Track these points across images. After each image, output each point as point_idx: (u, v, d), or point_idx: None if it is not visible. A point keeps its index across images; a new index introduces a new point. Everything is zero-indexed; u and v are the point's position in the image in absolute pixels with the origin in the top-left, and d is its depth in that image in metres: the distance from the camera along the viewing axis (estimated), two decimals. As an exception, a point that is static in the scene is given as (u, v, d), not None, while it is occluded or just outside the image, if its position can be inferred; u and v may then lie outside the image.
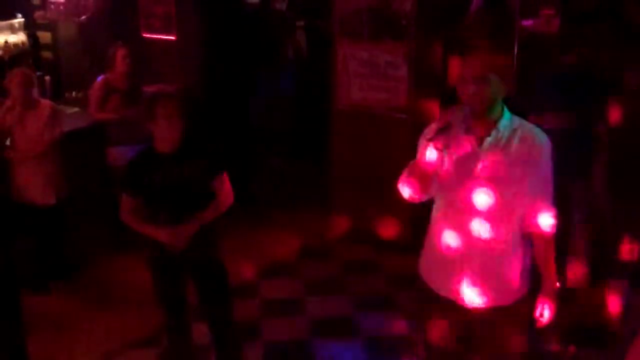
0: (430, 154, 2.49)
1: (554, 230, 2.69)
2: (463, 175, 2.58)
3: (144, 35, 5.89)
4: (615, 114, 4.00)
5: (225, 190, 3.40)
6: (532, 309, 2.77)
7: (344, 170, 5.41)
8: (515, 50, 5.12)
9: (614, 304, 3.96)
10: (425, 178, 2.57)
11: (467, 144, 2.57)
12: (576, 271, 4.45)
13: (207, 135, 5.06)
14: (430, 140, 2.47)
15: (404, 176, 2.67)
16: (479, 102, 2.49)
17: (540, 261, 2.74)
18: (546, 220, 2.66)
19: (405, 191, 2.68)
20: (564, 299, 4.38)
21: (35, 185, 4.56)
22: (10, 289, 3.66)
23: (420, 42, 4.95)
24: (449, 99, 2.63)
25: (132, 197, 3.33)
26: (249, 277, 4.85)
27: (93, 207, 4.99)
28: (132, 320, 4.33)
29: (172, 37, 5.78)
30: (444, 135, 2.44)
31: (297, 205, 6.10)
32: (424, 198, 2.68)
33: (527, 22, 5.43)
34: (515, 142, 2.56)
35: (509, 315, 2.71)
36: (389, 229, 5.24)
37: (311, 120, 6.61)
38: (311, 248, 5.37)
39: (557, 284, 2.63)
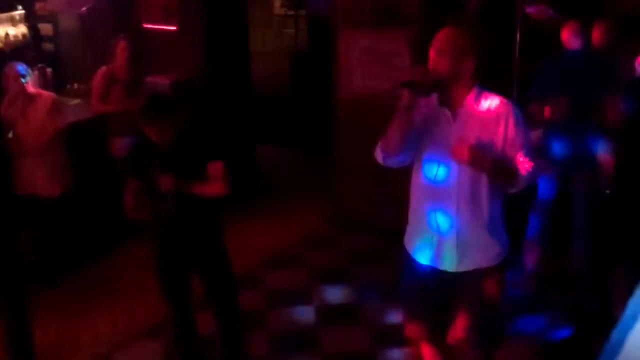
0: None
1: (527, 175, 2.74)
2: (442, 146, 2.72)
3: (145, 26, 5.86)
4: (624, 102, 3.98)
5: (218, 178, 3.37)
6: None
7: (347, 159, 5.40)
8: (518, 37, 5.08)
9: (617, 289, 3.96)
10: (398, 134, 2.71)
11: (442, 117, 2.75)
12: (579, 257, 4.46)
13: (206, 126, 5.07)
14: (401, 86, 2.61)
15: (379, 141, 2.85)
16: (442, 72, 2.65)
17: None
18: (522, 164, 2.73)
19: (379, 153, 2.87)
20: (568, 285, 4.44)
21: (39, 177, 4.57)
22: (16, 281, 3.67)
23: (423, 29, 4.93)
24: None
25: (134, 178, 3.35)
26: (254, 268, 4.86)
27: (97, 198, 4.99)
28: (138, 311, 4.34)
29: (173, 28, 5.76)
30: (411, 90, 2.60)
31: (300, 194, 6.10)
32: (397, 160, 2.83)
33: (530, 9, 5.39)
34: (483, 110, 2.71)
35: (488, 275, 2.84)
36: (393, 218, 5.23)
37: (314, 110, 6.60)
38: (315, 238, 5.37)
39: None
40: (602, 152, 4.19)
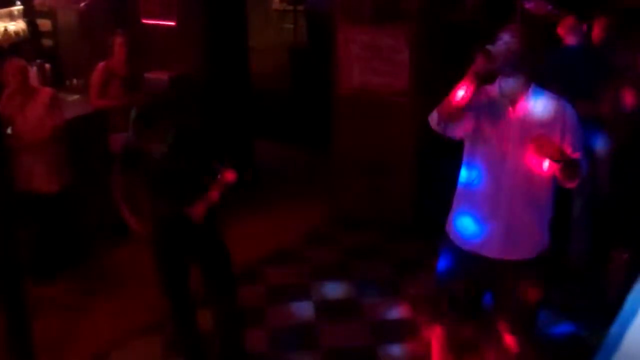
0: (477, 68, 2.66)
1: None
2: (499, 136, 2.79)
3: (144, 21, 5.86)
4: (624, 97, 3.98)
5: (225, 175, 3.39)
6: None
7: (346, 155, 5.40)
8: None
9: (615, 284, 3.97)
10: (457, 106, 2.73)
11: (502, 107, 2.80)
12: (577, 253, 4.47)
13: (206, 122, 5.07)
14: (480, 52, 2.64)
15: (438, 106, 2.86)
16: (510, 57, 2.69)
17: None
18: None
19: (434, 117, 2.86)
20: (566, 280, 4.45)
21: (38, 173, 4.57)
22: (15, 277, 3.67)
23: (422, 25, 4.92)
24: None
25: (126, 175, 3.36)
26: (253, 263, 4.86)
27: (96, 194, 4.99)
28: (137, 307, 4.34)
29: (172, 23, 5.75)
30: (486, 58, 2.64)
31: (300, 190, 6.10)
32: (449, 129, 2.85)
33: (529, 5, 5.40)
34: (544, 107, 2.79)
35: (531, 267, 2.90)
36: (392, 213, 5.24)
37: (313, 106, 6.60)
38: (315, 233, 5.38)
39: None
40: (600, 147, 4.19)
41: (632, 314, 1.56)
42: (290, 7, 8.99)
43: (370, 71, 5.13)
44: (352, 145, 5.36)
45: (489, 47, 2.66)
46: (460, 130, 2.86)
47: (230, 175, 3.38)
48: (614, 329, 1.57)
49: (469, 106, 2.74)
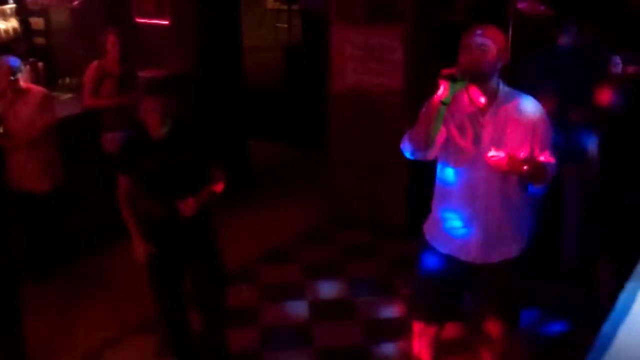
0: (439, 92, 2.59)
1: (552, 173, 2.82)
2: (470, 142, 2.75)
3: (137, 20, 5.84)
4: (610, 95, 4.00)
5: (218, 176, 3.40)
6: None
7: (340, 154, 5.41)
8: (510, 32, 5.10)
9: (606, 285, 3.99)
10: (429, 128, 2.67)
11: (472, 112, 2.76)
12: (569, 253, 4.48)
13: (200, 121, 5.06)
14: (442, 76, 2.56)
15: (407, 134, 2.82)
16: (480, 68, 2.64)
17: None
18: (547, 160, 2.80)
19: (407, 147, 2.83)
20: (558, 280, 4.46)
21: (30, 173, 4.54)
22: (7, 276, 3.66)
23: (416, 25, 4.93)
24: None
25: (126, 176, 3.36)
26: (247, 263, 4.86)
27: (89, 193, 4.98)
28: (130, 306, 4.33)
29: (166, 22, 5.74)
30: (450, 83, 2.56)
31: (294, 189, 6.10)
32: (426, 154, 2.80)
33: (522, 5, 5.41)
34: (514, 110, 2.74)
35: (512, 265, 2.88)
36: (386, 213, 5.25)
37: (307, 105, 6.61)
38: (309, 233, 5.38)
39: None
40: (592, 147, 4.21)
41: (624, 313, 1.56)
42: (285, 7, 9.00)
43: (364, 71, 5.13)
44: (346, 145, 5.36)
45: (451, 71, 2.57)
46: (435, 151, 2.82)
47: (220, 186, 3.39)
48: (605, 328, 1.58)
49: (441, 126, 2.70)
